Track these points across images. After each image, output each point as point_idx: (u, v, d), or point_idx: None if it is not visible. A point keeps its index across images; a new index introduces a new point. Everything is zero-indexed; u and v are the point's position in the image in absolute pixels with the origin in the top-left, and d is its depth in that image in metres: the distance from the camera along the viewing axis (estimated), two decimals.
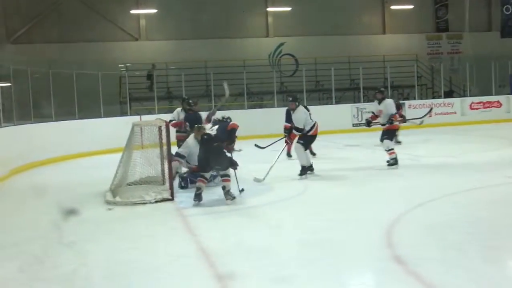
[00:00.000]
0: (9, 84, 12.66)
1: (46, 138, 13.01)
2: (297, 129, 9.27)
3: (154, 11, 21.23)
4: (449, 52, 24.26)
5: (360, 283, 4.56)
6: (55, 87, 14.30)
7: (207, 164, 7.49)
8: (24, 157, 11.86)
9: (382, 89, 10.59)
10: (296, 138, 9.56)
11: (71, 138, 13.83)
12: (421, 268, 4.48)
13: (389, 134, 9.95)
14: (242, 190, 7.98)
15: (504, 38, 21.41)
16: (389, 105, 9.99)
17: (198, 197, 7.43)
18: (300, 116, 9.26)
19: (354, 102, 19.74)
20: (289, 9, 22.29)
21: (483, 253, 4.93)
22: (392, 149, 9.79)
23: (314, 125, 9.34)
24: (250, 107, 19.26)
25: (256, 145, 10.37)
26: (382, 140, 9.93)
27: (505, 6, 21.02)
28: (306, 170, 9.30)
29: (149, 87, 19.44)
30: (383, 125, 10.01)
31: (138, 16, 21.51)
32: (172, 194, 7.84)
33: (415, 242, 5.32)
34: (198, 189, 7.48)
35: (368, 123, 10.44)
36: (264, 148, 10.35)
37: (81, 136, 14.06)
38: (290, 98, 9.56)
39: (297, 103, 9.38)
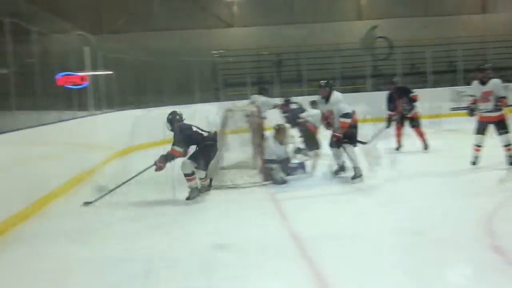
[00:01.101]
0: (111, 72, 13.28)
1: (149, 123, 13.50)
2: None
3: None
4: None
5: (459, 273, 4.38)
6: (152, 75, 14.87)
7: None
8: (126, 142, 12.41)
9: (485, 66, 8.43)
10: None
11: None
12: None
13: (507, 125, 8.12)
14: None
15: None
16: (498, 85, 8.13)
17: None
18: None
19: (452, 85, 18.91)
20: None
21: None
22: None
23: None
24: (344, 91, 18.94)
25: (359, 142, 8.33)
26: (502, 133, 8.18)
27: None
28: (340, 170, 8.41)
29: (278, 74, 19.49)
30: (490, 111, 8.17)
31: (231, 3, 21.81)
32: (265, 178, 7.93)
33: None
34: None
35: (471, 111, 8.41)
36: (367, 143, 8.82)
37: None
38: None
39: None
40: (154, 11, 20.73)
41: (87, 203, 7.13)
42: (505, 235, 4.99)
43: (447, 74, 20.35)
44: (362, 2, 22.20)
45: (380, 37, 21.93)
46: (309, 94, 17.58)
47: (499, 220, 5.46)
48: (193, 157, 7.24)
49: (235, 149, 8.86)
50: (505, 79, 19.81)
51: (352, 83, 20.49)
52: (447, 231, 5.26)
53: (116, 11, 20.93)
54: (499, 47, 19.79)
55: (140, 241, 5.50)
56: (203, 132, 7.42)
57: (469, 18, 22.22)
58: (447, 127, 14.15)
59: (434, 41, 19.74)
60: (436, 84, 19.45)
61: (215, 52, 20.14)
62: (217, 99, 18.30)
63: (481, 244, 4.77)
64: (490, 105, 8.13)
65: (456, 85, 18.91)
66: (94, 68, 11.91)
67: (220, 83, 18.76)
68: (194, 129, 7.42)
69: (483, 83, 8.22)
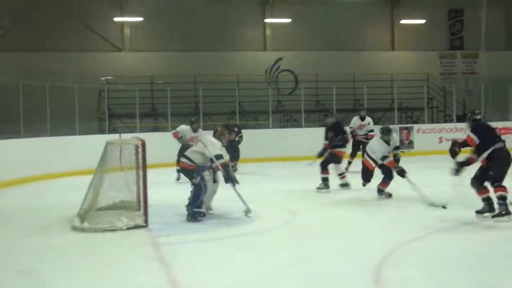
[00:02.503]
0: None
1: (14, 156, 13.11)
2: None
3: (140, 19, 21.46)
4: (464, 72, 24.58)
5: None
6: (26, 100, 14.42)
7: None
8: None
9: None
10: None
11: (42, 157, 13.95)
12: None
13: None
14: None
15: None
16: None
17: None
18: None
19: None
20: (289, 21, 22.59)
21: None
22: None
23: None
24: (242, 127, 19.37)
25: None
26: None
27: None
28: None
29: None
30: None
31: (122, 24, 21.77)
32: (146, 220, 7.92)
33: (405, 278, 5.42)
34: None
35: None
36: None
37: (53, 155, 14.18)
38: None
39: None
40: (34, 29, 20.24)
41: None
42: (394, 281, 5.33)
43: (352, 113, 21.40)
44: (267, 32, 22.97)
45: (285, 70, 22.79)
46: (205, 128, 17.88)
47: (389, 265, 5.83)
48: None
49: (115, 188, 8.77)
50: (411, 120, 21.43)
51: (254, 118, 21.02)
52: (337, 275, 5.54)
53: None
54: (405, 87, 21.12)
55: None
56: None
57: (378, 54, 23.68)
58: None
59: (340, 77, 20.81)
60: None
61: (103, 78, 19.93)
62: (101, 131, 18.07)
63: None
64: None
65: None
66: None
67: (105, 113, 18.53)
68: None
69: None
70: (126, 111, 19.31)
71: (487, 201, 7.92)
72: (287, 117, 21.77)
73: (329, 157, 11.14)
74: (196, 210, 8.29)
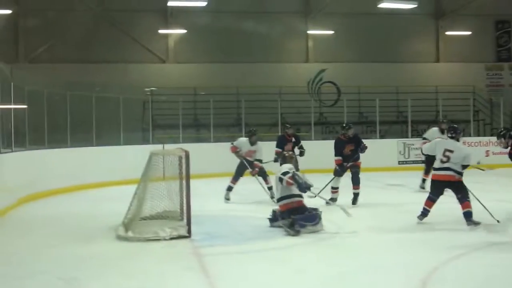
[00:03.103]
0: (24, 106, 13.06)
1: (60, 165, 13.36)
2: None
3: (183, 31, 21.71)
4: (511, 84, 24.01)
5: None
6: (73, 110, 14.71)
7: None
8: (34, 186, 12.18)
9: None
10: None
11: (87, 167, 14.19)
12: None
13: None
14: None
15: None
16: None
17: None
18: None
19: (401, 137, 19.66)
20: (331, 32, 22.49)
21: None
22: None
23: None
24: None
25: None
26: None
27: None
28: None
29: None
30: None
31: (166, 36, 22.05)
32: (189, 230, 7.94)
33: None
34: None
35: None
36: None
37: (98, 164, 14.41)
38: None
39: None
40: (82, 41, 20.68)
41: None
42: None
43: (395, 125, 21.19)
44: (310, 44, 22.92)
45: (327, 81, 22.69)
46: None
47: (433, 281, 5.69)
48: None
49: (159, 198, 8.83)
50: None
51: (296, 130, 20.91)
52: None
53: (37, 39, 20.76)
54: (451, 99, 20.77)
55: None
56: None
57: (423, 66, 23.36)
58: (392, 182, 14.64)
59: (384, 89, 20.60)
60: (384, 135, 20.17)
61: (147, 89, 20.18)
62: (145, 141, 18.28)
63: None
64: None
65: (406, 137, 19.66)
66: (5, 101, 11.76)
67: (149, 124, 18.75)
68: None
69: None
70: (169, 122, 19.47)
71: None
72: (329, 128, 21.62)
73: (354, 170, 10.74)
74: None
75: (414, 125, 19.71)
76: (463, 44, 23.56)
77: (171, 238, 7.77)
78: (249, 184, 11.99)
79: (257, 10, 22.14)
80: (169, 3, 19.56)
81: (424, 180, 12.40)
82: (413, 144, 18.23)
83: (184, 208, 8.41)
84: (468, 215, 8.29)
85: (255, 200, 11.60)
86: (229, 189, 11.65)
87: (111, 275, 6.20)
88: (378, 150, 17.69)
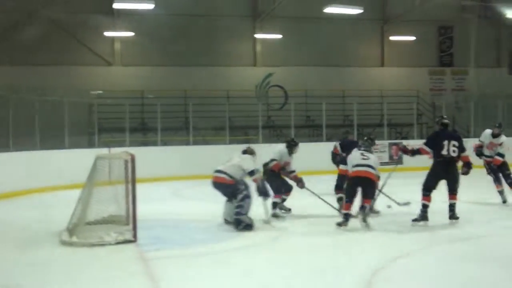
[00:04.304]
0: None
1: (3, 170, 13.10)
2: None
3: (130, 34, 21.50)
4: (453, 89, 24.81)
5: None
6: (16, 114, 14.44)
7: None
8: None
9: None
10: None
11: (31, 171, 13.95)
12: None
13: None
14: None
15: None
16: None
17: None
18: None
19: None
20: (279, 36, 22.70)
21: None
22: None
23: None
24: (232, 142, 19.42)
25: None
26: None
27: None
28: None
29: None
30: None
31: (113, 39, 21.83)
32: (135, 235, 7.94)
33: None
34: None
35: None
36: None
37: (43, 169, 14.18)
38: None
39: None
40: (24, 43, 20.21)
41: None
42: None
43: (342, 128, 21.55)
44: (258, 48, 23.09)
45: (275, 85, 22.91)
46: (194, 143, 17.97)
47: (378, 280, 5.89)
48: None
49: (105, 202, 8.78)
50: (401, 136, 21.57)
51: (244, 133, 21.08)
52: None
53: None
54: (395, 103, 21.28)
55: None
56: None
57: (368, 71, 23.87)
58: None
59: (330, 93, 20.97)
60: (331, 138, 20.46)
61: (93, 92, 19.94)
62: (91, 145, 18.07)
63: None
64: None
65: None
66: None
67: (95, 127, 18.55)
68: None
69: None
70: (116, 125, 19.27)
71: None
72: (277, 132, 21.85)
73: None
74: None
75: (360, 129, 20.08)
76: (407, 49, 24.15)
77: (117, 243, 7.77)
78: (203, 186, 11.96)
79: (205, 14, 22.15)
80: (115, 5, 19.37)
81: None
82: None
83: (130, 212, 8.41)
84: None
85: (206, 203, 11.57)
86: (275, 205, 10.08)
87: (56, 281, 6.17)
88: (324, 153, 18.05)
